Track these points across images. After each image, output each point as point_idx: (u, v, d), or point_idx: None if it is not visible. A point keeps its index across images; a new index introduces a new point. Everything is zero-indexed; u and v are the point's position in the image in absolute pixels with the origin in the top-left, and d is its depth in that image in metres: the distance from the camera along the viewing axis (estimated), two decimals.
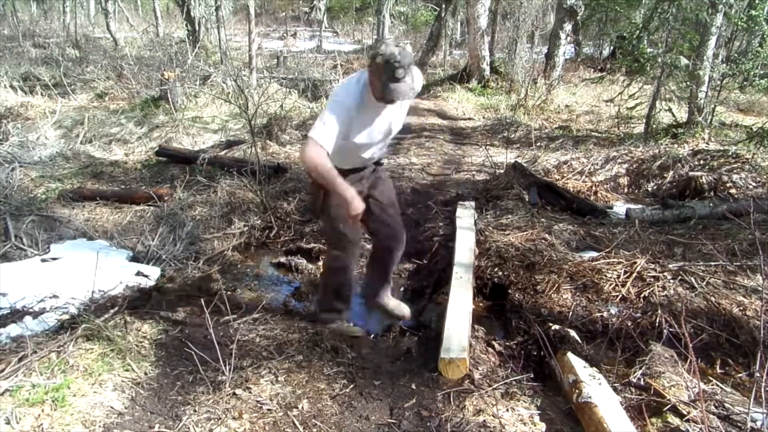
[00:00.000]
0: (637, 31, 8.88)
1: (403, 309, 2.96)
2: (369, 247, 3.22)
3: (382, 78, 2.18)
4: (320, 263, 3.63)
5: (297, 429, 1.99)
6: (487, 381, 2.23)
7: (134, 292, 3.06)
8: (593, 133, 7.97)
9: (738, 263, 3.22)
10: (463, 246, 3.32)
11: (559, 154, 6.21)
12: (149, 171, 5.43)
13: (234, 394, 2.15)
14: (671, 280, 3.00)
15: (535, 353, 2.47)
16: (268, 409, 2.08)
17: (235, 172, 4.85)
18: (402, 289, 3.39)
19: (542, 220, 4.08)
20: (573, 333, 2.55)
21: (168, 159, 5.72)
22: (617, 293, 2.94)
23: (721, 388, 2.17)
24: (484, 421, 1.98)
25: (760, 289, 2.93)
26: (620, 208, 4.72)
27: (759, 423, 1.88)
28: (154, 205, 4.34)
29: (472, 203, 4.28)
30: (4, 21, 15.12)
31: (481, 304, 3.00)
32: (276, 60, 12.25)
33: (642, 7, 10.73)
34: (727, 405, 2.00)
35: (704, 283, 2.99)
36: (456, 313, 2.54)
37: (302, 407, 2.11)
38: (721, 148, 5.69)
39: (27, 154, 5.68)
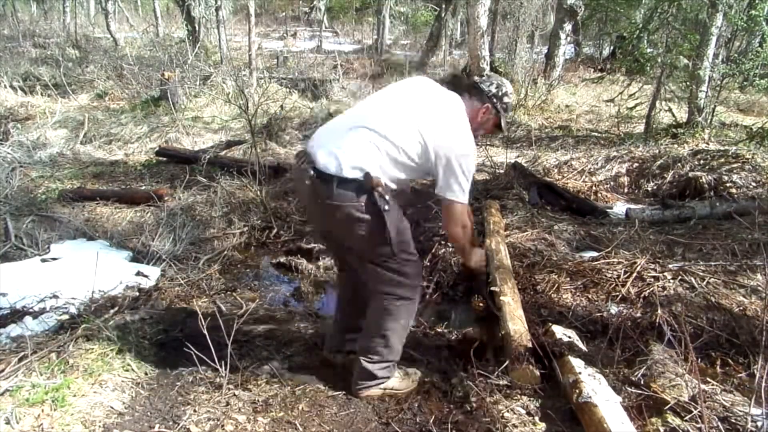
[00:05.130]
0: (637, 31, 8.88)
1: None
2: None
3: (507, 115, 2.21)
4: (320, 263, 3.63)
5: (297, 429, 1.99)
6: (488, 381, 2.23)
7: (134, 292, 3.05)
8: (593, 133, 7.97)
9: (738, 263, 3.22)
10: (500, 248, 3.31)
11: (559, 154, 6.21)
12: (149, 171, 5.43)
13: (234, 394, 2.15)
14: (671, 280, 3.00)
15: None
16: (268, 409, 2.08)
17: (235, 172, 4.85)
18: None
19: (542, 220, 4.08)
20: (573, 333, 2.55)
21: (168, 159, 5.72)
22: (617, 293, 2.94)
23: (721, 388, 2.17)
24: (485, 420, 1.98)
25: (760, 289, 2.93)
26: (620, 208, 4.72)
27: (759, 423, 1.88)
28: (154, 205, 4.34)
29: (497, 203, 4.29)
30: (4, 21, 15.12)
31: (480, 304, 3.00)
32: (276, 60, 12.24)
33: (642, 7, 10.72)
34: (727, 405, 2.00)
35: (704, 283, 2.99)
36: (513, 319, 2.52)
37: (302, 407, 2.11)
38: (721, 148, 5.68)
39: (27, 154, 5.68)
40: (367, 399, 2.18)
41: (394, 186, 1.99)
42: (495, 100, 2.13)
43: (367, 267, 2.06)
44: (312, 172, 1.93)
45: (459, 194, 1.99)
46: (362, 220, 1.92)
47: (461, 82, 2.18)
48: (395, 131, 1.95)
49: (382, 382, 2.19)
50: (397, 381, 2.23)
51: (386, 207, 1.91)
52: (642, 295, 2.89)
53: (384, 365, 2.16)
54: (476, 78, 2.19)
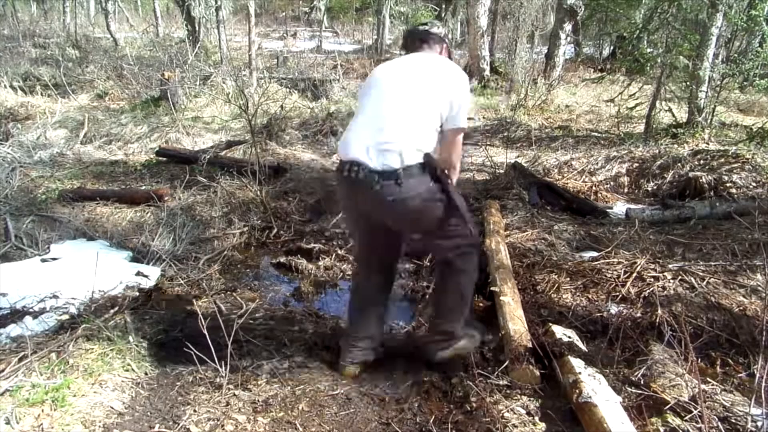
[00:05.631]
0: (637, 31, 8.88)
1: None
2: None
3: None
4: (320, 263, 3.63)
5: (297, 429, 1.99)
6: (488, 381, 2.23)
7: (134, 292, 3.05)
8: (593, 133, 7.97)
9: (738, 263, 3.22)
10: (500, 248, 3.31)
11: (559, 154, 6.21)
12: (149, 171, 5.42)
13: (234, 394, 2.15)
14: (671, 280, 3.00)
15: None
16: (268, 409, 2.08)
17: (235, 172, 4.85)
18: (402, 289, 3.38)
19: (542, 220, 4.08)
20: (573, 334, 2.55)
21: (168, 159, 5.72)
22: (617, 293, 2.94)
23: (721, 388, 2.17)
24: (485, 420, 1.98)
25: (760, 289, 2.93)
26: (620, 208, 4.72)
27: (759, 423, 1.88)
28: (154, 205, 4.33)
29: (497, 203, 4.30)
30: (4, 21, 15.11)
31: (480, 304, 3.00)
32: (276, 60, 12.24)
33: (642, 7, 10.72)
34: (727, 405, 2.00)
35: (704, 283, 2.99)
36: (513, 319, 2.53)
37: (302, 407, 2.11)
38: (721, 148, 5.68)
39: (27, 154, 5.67)
40: (441, 360, 2.32)
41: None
42: (446, 38, 2.40)
43: (438, 244, 2.20)
44: (375, 176, 1.99)
45: (465, 122, 2.17)
46: (438, 199, 2.07)
47: (428, 37, 2.34)
48: (424, 104, 2.09)
49: (459, 341, 2.32)
50: (467, 341, 2.36)
51: (450, 180, 2.10)
52: (642, 295, 2.89)
53: (463, 322, 2.32)
54: (425, 27, 2.39)
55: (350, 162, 2.06)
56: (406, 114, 2.06)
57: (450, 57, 2.39)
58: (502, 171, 5.53)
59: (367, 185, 2.00)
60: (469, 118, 2.31)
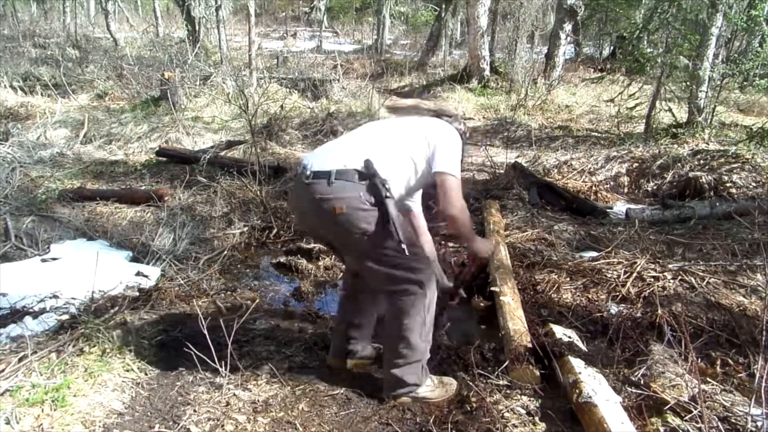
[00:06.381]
0: (637, 31, 8.88)
1: None
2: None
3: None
4: (320, 263, 3.62)
5: (297, 429, 1.99)
6: (488, 381, 2.23)
7: (134, 292, 3.05)
8: (593, 133, 7.97)
9: (738, 263, 3.22)
10: (500, 248, 3.31)
11: (559, 154, 6.21)
12: (149, 171, 5.42)
13: (234, 394, 2.15)
14: (671, 280, 3.00)
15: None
16: (268, 409, 2.08)
17: (235, 172, 4.85)
18: None
19: (542, 220, 4.08)
20: (573, 334, 2.55)
21: (168, 159, 5.72)
22: (617, 293, 2.94)
23: (721, 388, 2.17)
24: (485, 420, 1.98)
25: (760, 289, 2.93)
26: (620, 208, 4.73)
27: (759, 423, 1.88)
28: (154, 205, 4.33)
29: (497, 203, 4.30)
30: (4, 21, 15.11)
31: (481, 304, 3.00)
32: (276, 60, 12.24)
33: (642, 7, 10.72)
34: (727, 405, 2.00)
35: (704, 283, 2.99)
36: (513, 319, 2.53)
37: (302, 407, 2.11)
38: (721, 148, 5.69)
39: (27, 154, 5.67)
40: (400, 404, 2.12)
41: (394, 188, 2.01)
42: (464, 137, 2.28)
43: (370, 267, 2.01)
44: (308, 173, 1.97)
45: (453, 169, 2.05)
46: (364, 209, 1.91)
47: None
48: (397, 136, 2.12)
49: (412, 390, 2.11)
50: (429, 390, 2.14)
51: (388, 194, 1.91)
52: (642, 295, 2.89)
53: (410, 368, 2.08)
54: (443, 117, 2.33)
55: (301, 164, 2.09)
56: (371, 137, 2.10)
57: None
58: (502, 171, 5.53)
59: (302, 183, 2.00)
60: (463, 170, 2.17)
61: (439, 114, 2.33)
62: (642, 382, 2.16)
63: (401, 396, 2.12)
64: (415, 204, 2.41)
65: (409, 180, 2.10)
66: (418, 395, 2.12)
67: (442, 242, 3.58)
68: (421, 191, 2.37)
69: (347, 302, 2.37)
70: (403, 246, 1.92)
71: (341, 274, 3.50)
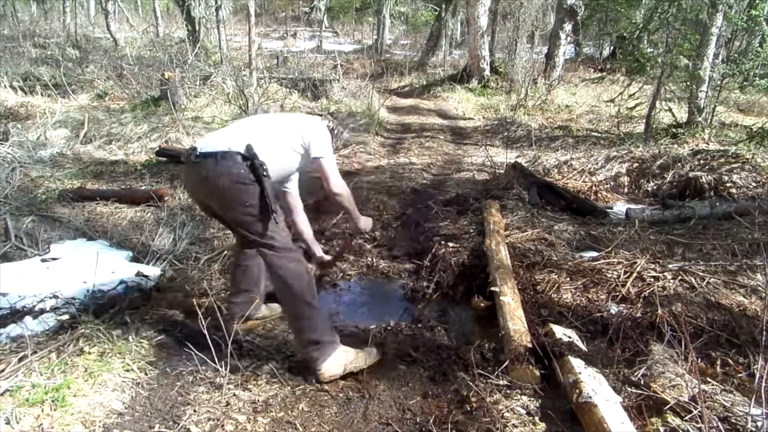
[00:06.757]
0: (637, 31, 8.89)
1: None
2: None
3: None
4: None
5: (297, 429, 1.99)
6: (488, 381, 2.23)
7: (134, 292, 3.05)
8: (593, 133, 7.98)
9: (738, 263, 3.22)
10: (500, 248, 3.31)
11: (559, 154, 6.21)
12: (149, 171, 5.42)
13: (234, 394, 2.15)
14: (671, 280, 3.00)
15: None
16: (268, 409, 2.08)
17: None
18: (402, 289, 3.38)
19: (542, 220, 4.08)
20: (573, 334, 2.55)
21: (168, 159, 5.72)
22: (617, 293, 2.94)
23: (721, 388, 2.17)
24: (485, 420, 1.98)
25: (760, 289, 2.93)
26: (620, 208, 4.72)
27: (759, 423, 1.88)
28: (154, 205, 4.33)
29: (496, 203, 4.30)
30: (4, 21, 15.12)
31: (481, 304, 3.00)
32: (276, 60, 12.25)
33: (642, 7, 10.73)
34: (727, 405, 2.00)
35: (704, 283, 2.99)
36: (513, 319, 2.53)
37: (302, 407, 2.11)
38: (721, 148, 5.69)
39: (27, 154, 5.67)
40: (330, 380, 2.28)
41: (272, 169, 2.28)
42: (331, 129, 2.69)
43: (243, 234, 2.32)
44: (197, 154, 2.22)
45: (328, 153, 2.42)
46: (245, 184, 2.18)
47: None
48: (275, 127, 2.44)
49: (323, 360, 2.26)
50: (351, 355, 2.33)
51: (265, 173, 2.20)
52: (642, 295, 2.89)
53: (313, 347, 2.27)
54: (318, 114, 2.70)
55: (191, 147, 2.32)
56: (253, 127, 2.40)
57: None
58: (502, 171, 5.53)
59: (191, 163, 2.24)
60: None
61: (311, 112, 2.58)
62: (642, 382, 2.16)
63: (320, 372, 2.27)
64: (292, 187, 2.77)
65: (284, 165, 2.41)
66: (344, 361, 2.32)
67: (443, 242, 3.59)
68: (297, 176, 2.72)
69: (236, 270, 2.70)
70: (274, 215, 2.24)
71: (340, 273, 3.50)
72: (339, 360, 2.29)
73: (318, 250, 3.02)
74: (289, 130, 2.42)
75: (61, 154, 5.91)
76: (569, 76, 12.49)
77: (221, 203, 2.27)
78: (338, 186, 2.43)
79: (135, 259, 3.58)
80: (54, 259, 3.46)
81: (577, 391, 2.01)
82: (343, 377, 2.30)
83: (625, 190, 5.33)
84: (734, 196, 4.59)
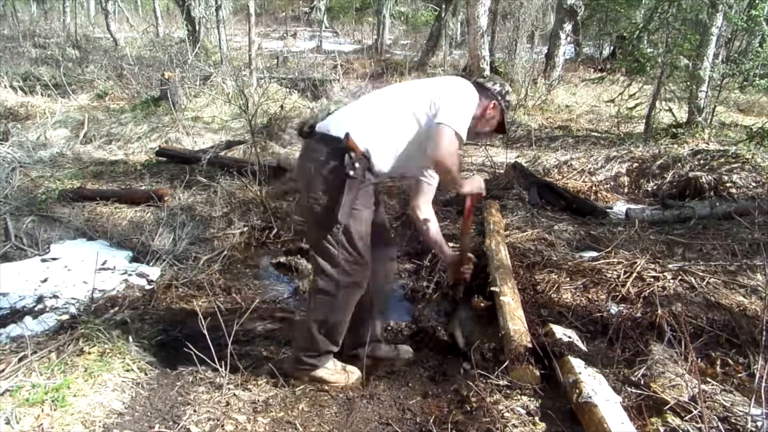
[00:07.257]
0: (637, 31, 8.88)
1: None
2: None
3: (509, 114, 2.22)
4: None
5: (297, 429, 1.99)
6: (488, 381, 2.23)
7: (134, 292, 3.05)
8: (593, 133, 7.97)
9: (738, 263, 3.22)
10: (500, 248, 3.31)
11: (559, 154, 6.21)
12: (149, 171, 5.42)
13: (234, 394, 2.15)
14: (671, 280, 3.00)
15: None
16: (268, 409, 2.08)
17: (235, 172, 4.85)
18: (402, 289, 3.38)
19: (542, 220, 4.08)
20: (573, 334, 2.55)
21: (168, 159, 5.72)
22: (617, 293, 2.94)
23: (721, 388, 2.17)
24: (485, 420, 1.98)
25: (760, 289, 2.93)
26: (620, 208, 4.72)
27: (759, 423, 1.88)
28: (154, 205, 4.33)
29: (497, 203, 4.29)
30: (4, 21, 15.11)
31: (481, 304, 3.00)
32: (276, 60, 12.24)
33: (642, 7, 10.72)
34: (727, 405, 2.00)
35: (704, 283, 2.99)
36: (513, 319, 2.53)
37: (302, 407, 2.11)
38: (721, 148, 5.69)
39: (27, 154, 5.67)
40: (302, 382, 2.23)
41: (376, 163, 2.00)
42: (500, 98, 2.17)
43: (309, 235, 2.13)
44: (309, 127, 2.04)
45: (455, 123, 1.94)
46: (324, 176, 1.93)
47: (479, 88, 2.15)
48: (406, 98, 2.05)
49: (311, 369, 2.21)
50: (329, 373, 2.23)
51: (352, 172, 1.89)
52: (642, 295, 2.88)
53: (310, 353, 2.19)
54: (479, 78, 2.23)
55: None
56: (369, 104, 2.09)
57: (490, 114, 2.16)
58: (502, 171, 5.53)
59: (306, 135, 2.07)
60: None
61: (491, 96, 2.15)
62: (642, 382, 2.16)
63: (298, 371, 2.22)
64: (432, 178, 2.29)
65: (401, 148, 2.04)
66: (315, 375, 2.22)
67: None
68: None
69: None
70: (337, 228, 1.92)
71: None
72: (316, 373, 2.23)
73: (447, 249, 2.49)
74: (419, 100, 2.01)
75: (61, 154, 5.90)
76: (569, 76, 12.48)
77: (303, 188, 2.04)
78: (444, 151, 1.90)
79: (135, 259, 3.58)
80: (54, 259, 3.46)
81: (577, 391, 2.01)
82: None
83: (625, 190, 5.33)
84: (734, 196, 4.59)
